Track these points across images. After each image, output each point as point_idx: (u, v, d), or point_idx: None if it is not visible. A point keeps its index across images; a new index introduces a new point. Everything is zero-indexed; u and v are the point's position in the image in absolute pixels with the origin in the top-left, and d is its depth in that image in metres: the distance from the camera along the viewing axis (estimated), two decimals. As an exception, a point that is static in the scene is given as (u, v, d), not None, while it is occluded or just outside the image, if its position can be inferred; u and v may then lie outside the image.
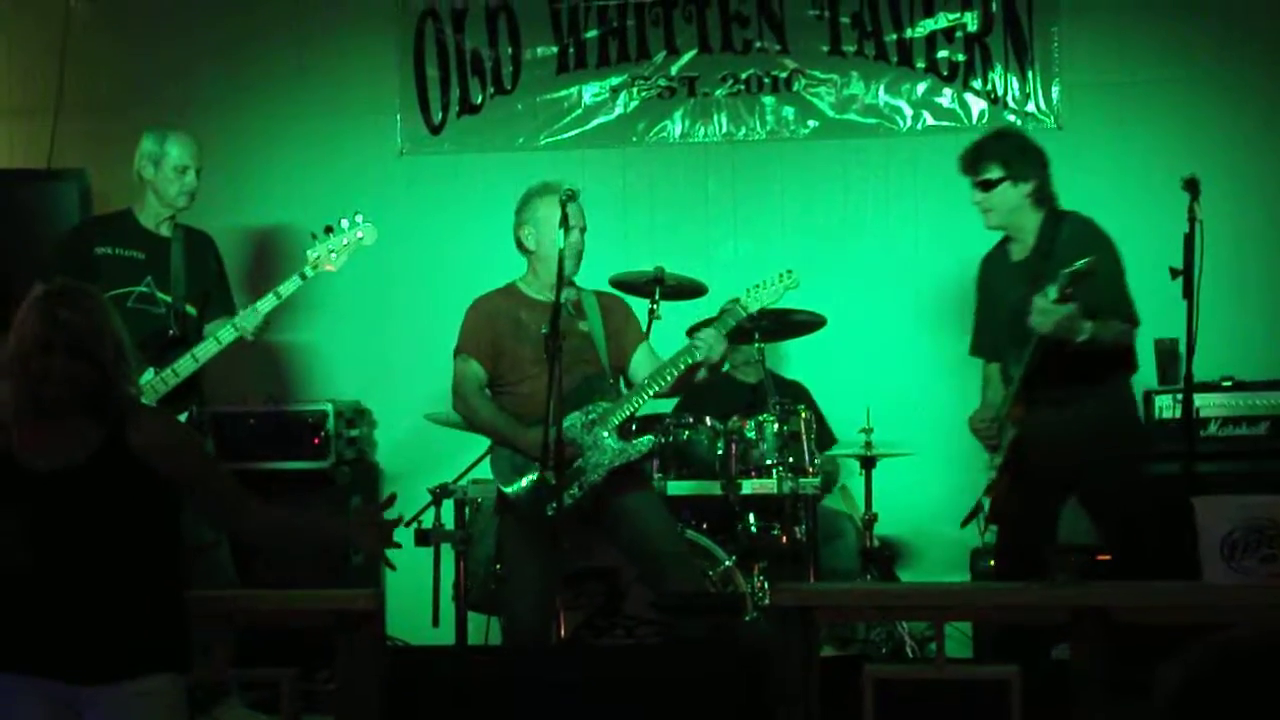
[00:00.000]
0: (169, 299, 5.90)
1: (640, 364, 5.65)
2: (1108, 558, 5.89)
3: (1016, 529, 5.57)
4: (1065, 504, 5.65)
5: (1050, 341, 5.24)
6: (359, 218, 5.98)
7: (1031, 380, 5.36)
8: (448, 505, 6.44)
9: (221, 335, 5.83)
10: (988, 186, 5.51)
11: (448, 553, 6.46)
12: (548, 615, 5.61)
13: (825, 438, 6.75)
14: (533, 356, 5.46)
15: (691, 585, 5.64)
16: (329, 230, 5.95)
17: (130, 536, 3.60)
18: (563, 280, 5.38)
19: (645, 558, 5.62)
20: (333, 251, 5.94)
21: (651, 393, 5.51)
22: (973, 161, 5.54)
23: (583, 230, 5.57)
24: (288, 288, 5.87)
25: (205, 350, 5.82)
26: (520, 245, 5.66)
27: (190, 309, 5.96)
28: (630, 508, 5.54)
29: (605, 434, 5.51)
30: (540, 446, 5.25)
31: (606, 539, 5.77)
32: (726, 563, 6.10)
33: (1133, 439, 5.62)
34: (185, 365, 5.78)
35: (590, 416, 5.52)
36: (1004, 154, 5.50)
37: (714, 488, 6.15)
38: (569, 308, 5.59)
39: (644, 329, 5.96)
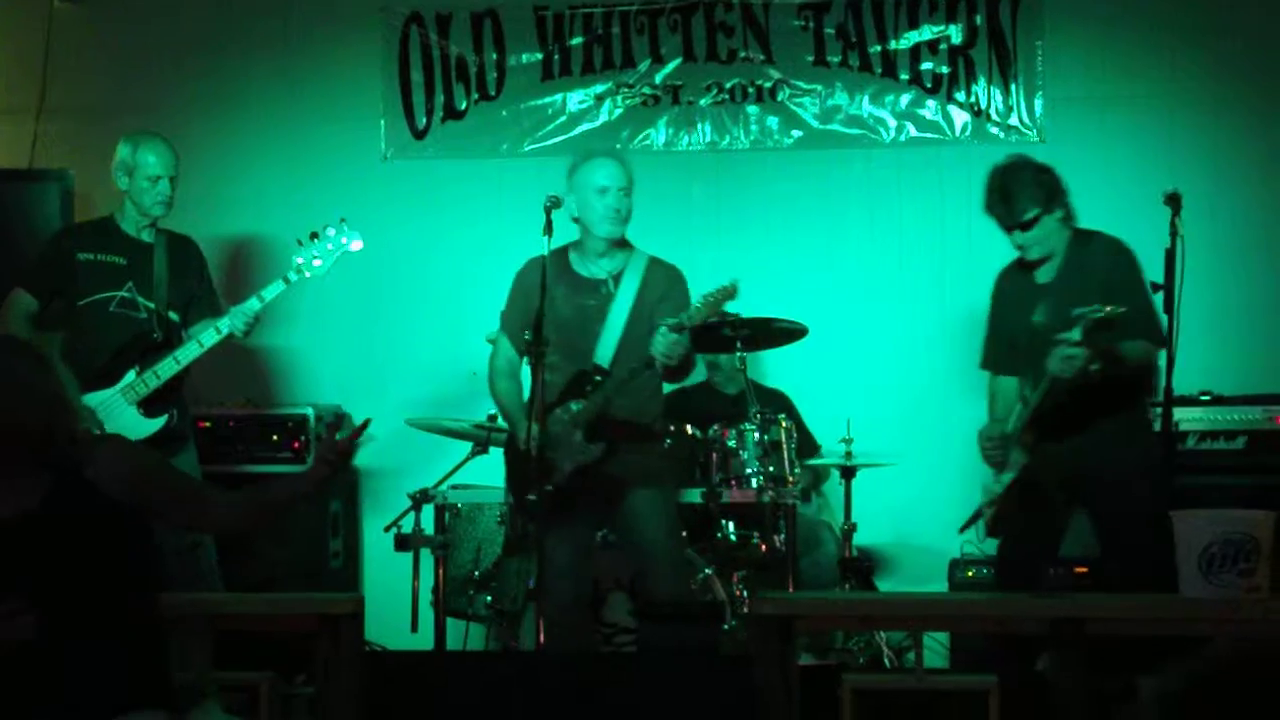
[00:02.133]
0: (151, 305, 5.89)
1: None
2: (1085, 570, 5.93)
3: (1019, 545, 5.59)
4: (1071, 516, 5.66)
5: (1066, 382, 5.27)
6: (345, 224, 5.98)
7: (1046, 408, 5.38)
8: (427, 510, 6.43)
9: (204, 338, 5.82)
10: (1029, 227, 5.49)
11: (427, 558, 6.45)
12: (585, 611, 5.76)
13: (808, 446, 6.76)
14: (556, 340, 5.43)
15: (675, 593, 5.65)
16: (315, 236, 5.95)
17: (92, 577, 3.54)
18: (546, 284, 5.37)
19: (637, 559, 5.65)
20: (318, 258, 5.93)
21: (611, 391, 5.49)
22: (1008, 207, 5.49)
23: (625, 190, 5.56)
24: (271, 291, 5.86)
25: (188, 352, 5.81)
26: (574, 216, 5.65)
27: (173, 314, 5.95)
28: (634, 506, 5.55)
29: (578, 433, 5.52)
30: (524, 440, 5.41)
31: (613, 532, 5.85)
32: (706, 571, 6.10)
33: (1148, 464, 5.59)
34: (167, 367, 5.77)
35: (565, 416, 5.53)
36: (1035, 190, 5.48)
37: (694, 496, 6.15)
38: (610, 283, 5.59)
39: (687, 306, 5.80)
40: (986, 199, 5.57)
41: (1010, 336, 5.67)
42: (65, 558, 3.53)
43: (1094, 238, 5.55)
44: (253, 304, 5.81)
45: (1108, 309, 5.11)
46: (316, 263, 5.93)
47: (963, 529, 5.90)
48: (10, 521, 3.52)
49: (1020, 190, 5.48)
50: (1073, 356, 5.17)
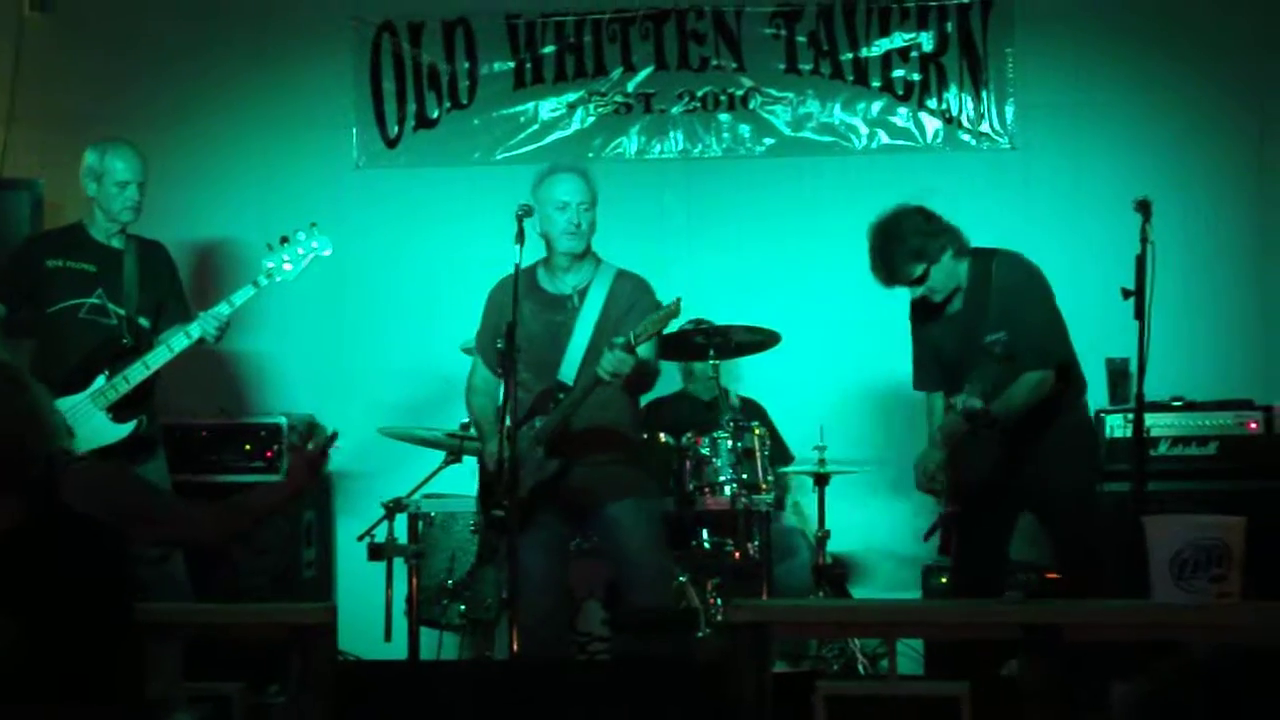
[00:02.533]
0: (122, 311, 5.87)
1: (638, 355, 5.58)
2: (1057, 576, 5.94)
3: (969, 548, 5.60)
4: (1016, 523, 5.68)
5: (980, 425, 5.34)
6: (315, 229, 5.96)
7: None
8: (401, 519, 6.43)
9: (174, 343, 5.79)
10: (920, 282, 5.50)
11: (400, 567, 6.44)
12: (562, 622, 5.77)
13: (781, 455, 6.76)
14: (527, 357, 5.43)
15: (656, 602, 5.64)
16: (285, 240, 5.93)
17: (67, 596, 3.51)
18: (518, 297, 5.37)
19: (620, 568, 5.64)
20: (288, 262, 5.92)
21: (570, 409, 5.48)
22: (892, 276, 5.49)
23: (586, 205, 5.55)
24: (241, 296, 5.84)
25: (157, 357, 5.79)
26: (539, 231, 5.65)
27: (143, 320, 5.92)
28: (613, 515, 5.54)
29: (539, 450, 5.51)
30: (489, 456, 5.46)
31: (592, 540, 5.87)
32: (680, 579, 6.10)
33: (1085, 462, 5.65)
34: (137, 372, 5.75)
35: (529, 432, 5.52)
36: (910, 250, 5.45)
37: (668, 503, 6.15)
38: (574, 298, 5.60)
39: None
40: (870, 264, 5.54)
41: (930, 359, 5.71)
42: (40, 577, 3.51)
43: (993, 258, 5.53)
44: (222, 309, 5.80)
45: (977, 402, 5.25)
46: (287, 267, 5.91)
47: (926, 536, 5.91)
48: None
49: (899, 256, 5.46)
50: (953, 433, 5.36)
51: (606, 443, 5.56)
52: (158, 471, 5.85)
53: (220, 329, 5.81)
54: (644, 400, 5.92)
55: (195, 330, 5.78)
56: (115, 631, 3.61)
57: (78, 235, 5.96)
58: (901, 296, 7.14)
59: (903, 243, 5.45)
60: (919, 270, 5.46)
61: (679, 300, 5.25)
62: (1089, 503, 5.55)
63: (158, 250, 6.08)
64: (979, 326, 5.43)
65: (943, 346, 5.62)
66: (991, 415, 5.27)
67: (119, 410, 5.74)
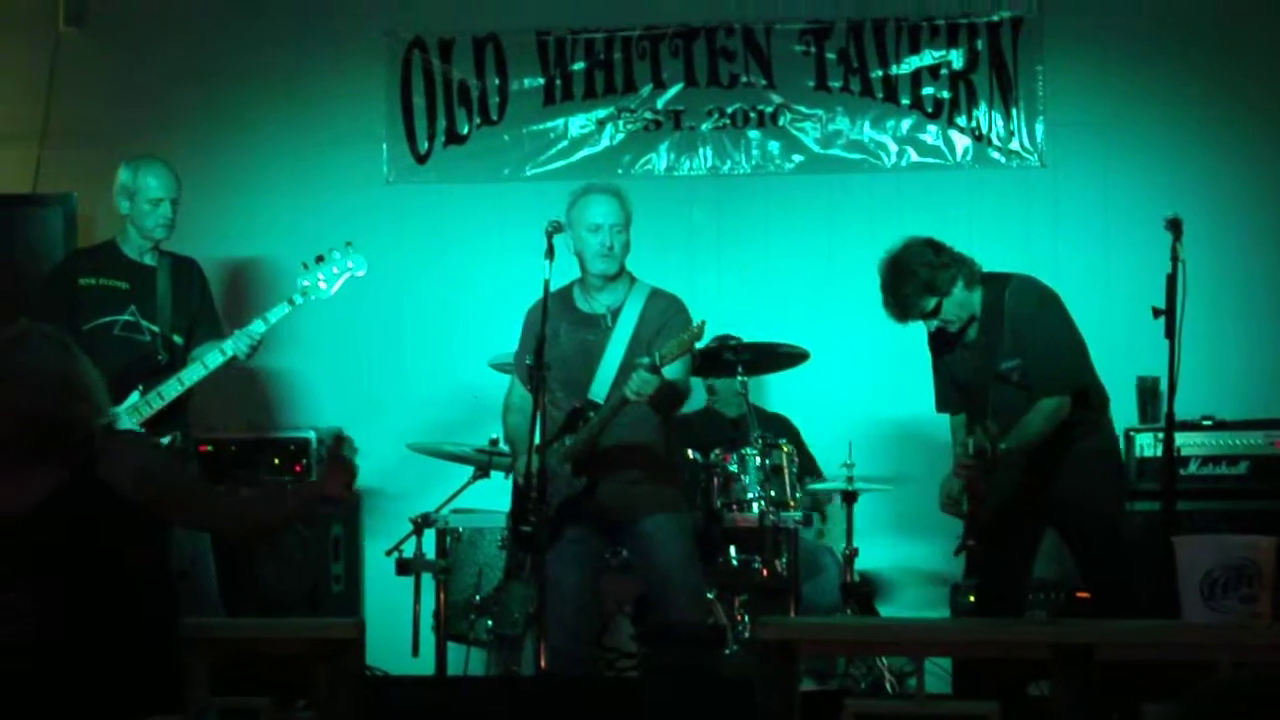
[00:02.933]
0: (155, 328, 5.90)
1: (669, 374, 5.50)
2: (1087, 595, 5.92)
3: (993, 568, 5.59)
4: (1041, 542, 5.66)
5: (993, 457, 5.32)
6: (350, 248, 5.98)
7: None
8: (429, 534, 6.43)
9: (209, 360, 5.81)
10: (933, 315, 5.50)
11: (428, 582, 6.45)
12: (591, 638, 5.77)
13: (811, 472, 6.75)
14: (559, 375, 5.45)
15: (690, 617, 5.63)
16: (320, 259, 5.95)
17: (100, 576, 3.52)
18: (547, 313, 5.38)
19: (653, 583, 5.64)
20: (323, 280, 5.94)
21: (598, 428, 5.49)
22: (903, 313, 5.50)
23: (619, 227, 5.55)
24: (276, 314, 5.86)
25: (191, 374, 5.81)
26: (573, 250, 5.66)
27: (177, 337, 5.95)
28: (648, 530, 5.55)
29: (567, 467, 5.52)
30: (518, 473, 5.49)
31: (625, 555, 5.85)
32: (708, 595, 6.09)
33: (1110, 483, 5.62)
34: (171, 389, 5.77)
35: (559, 449, 5.53)
36: (919, 284, 5.44)
37: (696, 519, 6.14)
38: (608, 318, 5.61)
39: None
40: (882, 301, 5.55)
41: (950, 384, 5.71)
42: (73, 555, 3.51)
43: (1006, 284, 5.51)
44: (257, 326, 5.81)
45: (987, 441, 5.20)
46: (322, 285, 5.93)
47: (957, 552, 5.90)
48: (15, 517, 3.51)
49: (911, 292, 5.45)
50: (969, 466, 5.32)
51: (637, 461, 5.56)
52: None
53: (253, 347, 5.83)
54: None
55: (229, 348, 5.80)
56: (149, 618, 3.59)
57: (110, 253, 5.99)
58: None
59: (913, 277, 5.43)
60: (930, 304, 5.46)
61: (703, 324, 5.27)
62: (1115, 524, 5.52)
63: (190, 267, 6.11)
64: (995, 354, 5.43)
65: (960, 374, 5.62)
66: (996, 457, 5.24)
67: (153, 426, 5.76)
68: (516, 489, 5.69)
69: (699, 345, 5.43)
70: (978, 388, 5.50)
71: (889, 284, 5.50)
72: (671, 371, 5.34)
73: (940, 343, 5.69)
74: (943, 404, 5.80)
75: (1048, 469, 5.40)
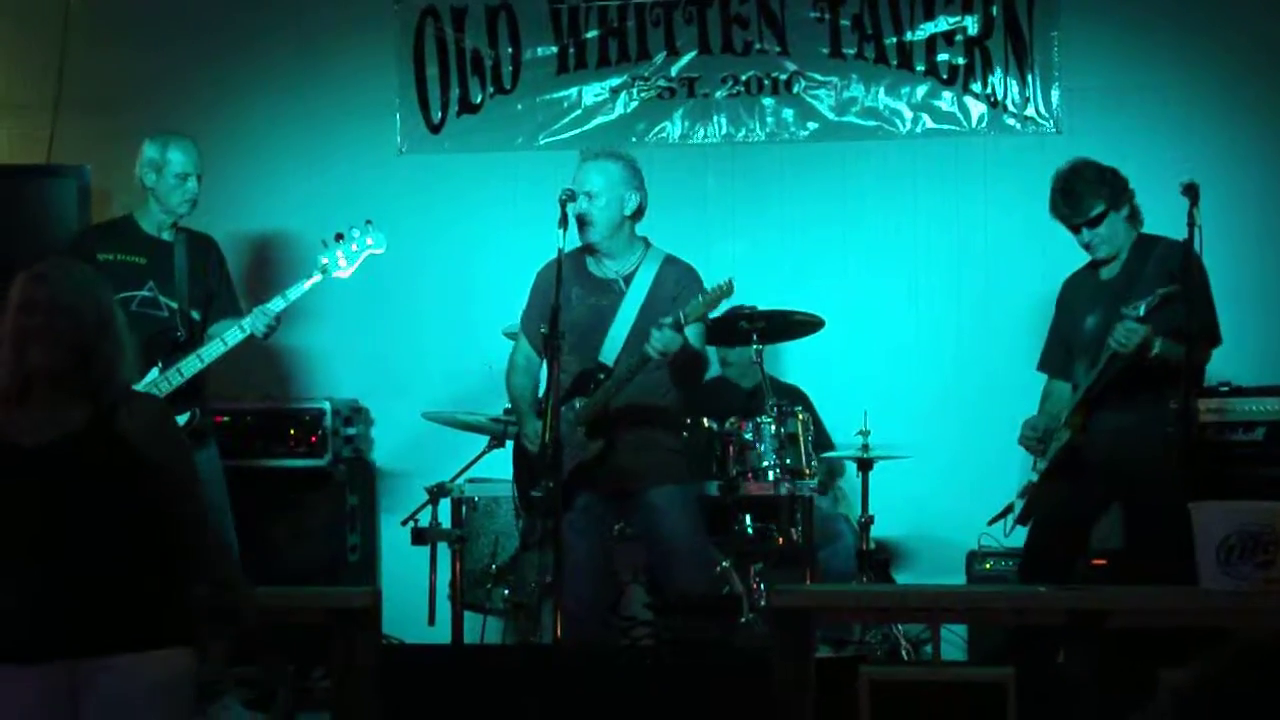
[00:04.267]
0: (174, 303, 5.91)
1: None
2: (1103, 562, 5.92)
3: (1049, 533, 5.61)
4: (1101, 515, 5.70)
5: (1125, 359, 5.35)
6: (370, 225, 5.97)
7: (1099, 392, 5.46)
8: (444, 504, 6.44)
9: (228, 336, 5.82)
10: (1096, 223, 5.58)
11: (444, 551, 6.46)
12: (605, 606, 5.81)
13: (824, 443, 6.75)
14: (570, 339, 5.43)
15: (700, 587, 5.64)
16: (339, 237, 5.94)
17: (117, 513, 3.55)
18: (562, 281, 5.37)
19: (658, 553, 5.65)
20: (343, 258, 5.93)
21: (614, 389, 5.49)
22: (1074, 206, 5.59)
23: (591, 195, 5.54)
24: (295, 291, 5.86)
25: (211, 351, 5.82)
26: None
27: (195, 313, 5.96)
28: (654, 501, 5.56)
29: (580, 430, 5.53)
30: (528, 437, 5.54)
31: (633, 525, 5.85)
32: (723, 564, 6.10)
33: (1177, 455, 5.61)
34: (190, 365, 5.78)
35: (569, 414, 5.53)
36: (1099, 187, 5.57)
37: (711, 489, 6.15)
38: (620, 283, 5.60)
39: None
40: (1051, 199, 5.65)
41: (1067, 340, 5.76)
42: (84, 491, 3.55)
43: (1159, 242, 5.62)
44: (276, 304, 5.82)
45: (1172, 287, 5.24)
46: (342, 263, 5.93)
47: (992, 521, 5.93)
48: (44, 448, 3.54)
49: (1085, 188, 5.57)
50: (1133, 330, 5.31)
51: (649, 424, 5.57)
52: (210, 462, 5.87)
53: (271, 326, 5.83)
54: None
55: (249, 325, 5.80)
56: (158, 564, 3.59)
57: (128, 228, 5.99)
58: (943, 281, 7.14)
59: (1091, 179, 5.59)
60: (1099, 208, 5.55)
61: (730, 281, 5.26)
62: (1177, 500, 5.50)
63: (207, 243, 6.12)
64: (1129, 296, 5.44)
65: (1084, 318, 5.67)
66: (1147, 352, 5.30)
67: (171, 402, 5.77)
68: (520, 453, 5.70)
69: (717, 311, 5.43)
70: (1096, 333, 5.52)
71: (1066, 180, 5.63)
72: (691, 336, 5.35)
73: (1075, 282, 5.79)
74: (1047, 362, 5.89)
75: (1133, 432, 5.45)
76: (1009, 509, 5.79)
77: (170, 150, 5.93)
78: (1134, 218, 5.64)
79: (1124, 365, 5.40)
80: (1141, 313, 5.29)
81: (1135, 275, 5.55)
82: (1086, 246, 5.65)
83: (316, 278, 5.88)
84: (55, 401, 3.57)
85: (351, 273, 5.96)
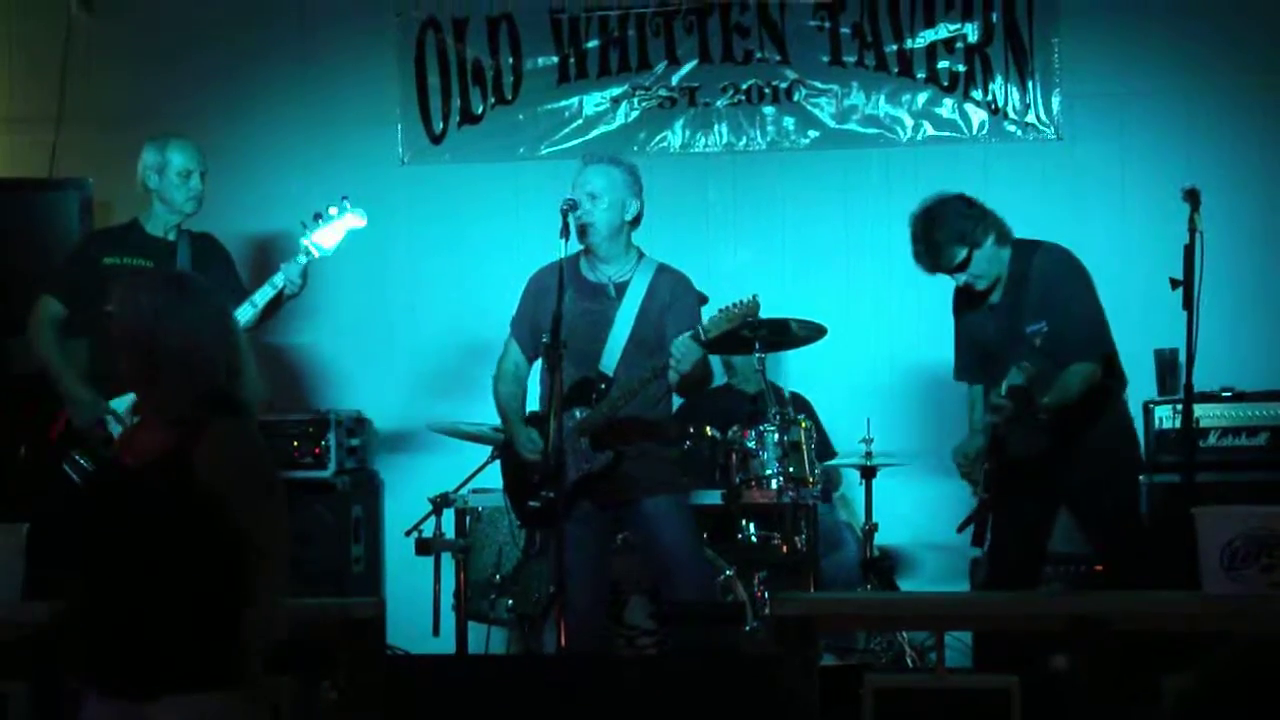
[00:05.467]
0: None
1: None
2: (1103, 568, 5.92)
3: (1006, 551, 5.59)
4: (1056, 518, 5.67)
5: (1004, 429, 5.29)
6: (347, 202, 5.96)
7: (996, 449, 5.38)
8: (448, 514, 6.45)
9: (257, 298, 5.81)
10: (963, 268, 5.47)
11: (448, 562, 6.46)
12: (605, 615, 5.79)
13: (825, 451, 6.75)
14: (566, 345, 5.39)
15: (699, 595, 5.64)
16: (318, 217, 5.94)
17: (180, 546, 3.46)
18: (563, 289, 5.38)
19: (657, 562, 5.65)
20: (325, 233, 5.91)
21: (621, 401, 5.49)
22: (934, 260, 5.46)
23: (592, 196, 5.53)
24: (291, 269, 5.84)
25: (244, 314, 5.79)
26: None
27: None
28: (651, 510, 5.56)
29: (584, 441, 5.52)
30: (523, 446, 5.54)
31: (629, 534, 5.85)
32: (727, 572, 6.10)
33: (1128, 458, 5.62)
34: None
35: (569, 423, 5.53)
36: (955, 232, 5.42)
37: (714, 497, 6.15)
38: (611, 289, 5.60)
39: (696, 314, 5.73)
40: (913, 251, 5.51)
41: (975, 347, 5.69)
42: (149, 521, 3.46)
43: (1036, 250, 5.51)
44: (278, 278, 5.80)
45: (1023, 378, 5.17)
46: (327, 235, 5.91)
47: (960, 528, 5.89)
48: (133, 471, 3.49)
49: (944, 237, 5.42)
50: (1000, 408, 5.23)
51: (647, 435, 5.57)
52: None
53: (302, 279, 5.81)
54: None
55: (280, 279, 5.80)
56: (218, 602, 3.51)
57: (133, 232, 5.99)
58: (946, 288, 7.13)
59: (946, 225, 5.42)
60: (962, 254, 5.43)
61: (755, 298, 5.28)
62: (1131, 501, 5.52)
63: (210, 242, 6.11)
64: (1020, 317, 5.41)
65: (984, 337, 5.61)
66: (1033, 400, 5.22)
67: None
68: (512, 463, 5.69)
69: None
70: (999, 352, 5.48)
71: (922, 231, 5.48)
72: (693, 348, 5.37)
73: (964, 303, 5.68)
74: (962, 371, 5.80)
75: (1068, 442, 5.39)
76: (970, 519, 5.72)
77: (170, 150, 5.93)
78: (1001, 238, 5.47)
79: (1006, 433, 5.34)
80: (1002, 398, 5.21)
81: (1016, 295, 5.46)
82: (967, 286, 5.55)
83: (302, 258, 5.86)
84: (148, 424, 3.52)
85: (336, 247, 5.92)
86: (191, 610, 3.47)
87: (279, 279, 5.80)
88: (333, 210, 5.94)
